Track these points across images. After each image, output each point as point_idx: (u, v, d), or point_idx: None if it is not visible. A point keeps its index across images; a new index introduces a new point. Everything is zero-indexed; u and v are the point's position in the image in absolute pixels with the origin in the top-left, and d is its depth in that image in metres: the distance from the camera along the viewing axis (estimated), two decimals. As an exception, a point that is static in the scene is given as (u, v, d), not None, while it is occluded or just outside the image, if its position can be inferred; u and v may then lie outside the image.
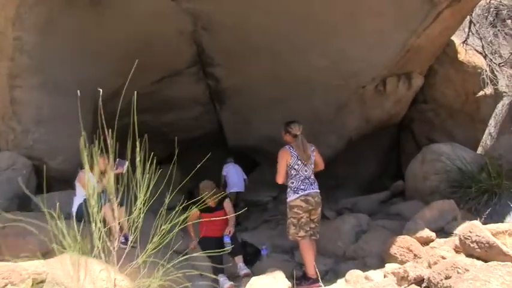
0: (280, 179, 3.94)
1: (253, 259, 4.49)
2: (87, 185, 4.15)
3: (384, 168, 8.79)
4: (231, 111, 8.27)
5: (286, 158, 3.88)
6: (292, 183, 3.87)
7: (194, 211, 4.50)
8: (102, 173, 4.37)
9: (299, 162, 3.87)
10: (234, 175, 8.43)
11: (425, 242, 3.69)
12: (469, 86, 7.12)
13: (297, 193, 3.82)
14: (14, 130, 5.43)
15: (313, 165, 3.98)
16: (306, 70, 6.55)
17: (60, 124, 5.51)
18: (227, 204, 4.68)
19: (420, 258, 3.41)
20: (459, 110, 7.35)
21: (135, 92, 2.57)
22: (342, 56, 6.09)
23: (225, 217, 4.45)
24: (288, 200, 3.90)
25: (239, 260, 4.21)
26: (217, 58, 7.18)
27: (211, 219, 4.32)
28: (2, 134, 5.59)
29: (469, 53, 7.06)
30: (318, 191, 3.93)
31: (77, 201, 4.08)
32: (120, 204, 4.19)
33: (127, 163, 4.48)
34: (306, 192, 3.81)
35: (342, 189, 8.34)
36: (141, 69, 6.99)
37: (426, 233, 3.74)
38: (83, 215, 4.10)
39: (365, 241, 4.18)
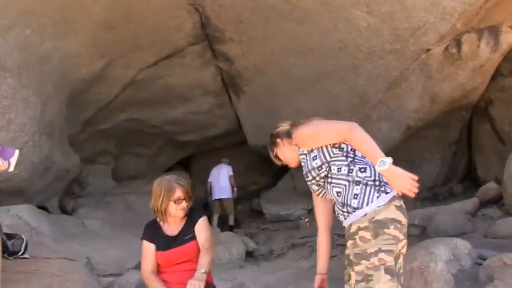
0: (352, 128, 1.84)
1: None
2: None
3: (453, 169, 6.91)
4: (250, 101, 6.72)
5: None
6: (363, 171, 1.83)
7: (145, 244, 2.28)
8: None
9: None
10: (214, 179, 7.27)
11: None
12: None
13: (386, 192, 1.76)
14: None
15: None
16: (345, 34, 4.91)
17: (7, 115, 4.16)
18: (202, 229, 2.32)
19: None
20: None
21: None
22: (396, 7, 4.40)
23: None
24: (369, 209, 1.74)
25: None
26: (227, 30, 5.75)
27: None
28: None
29: None
30: None
31: None
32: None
33: (16, 153, 2.76)
34: (396, 192, 1.78)
35: (398, 196, 6.46)
36: (128, 46, 5.49)
37: None
38: None
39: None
